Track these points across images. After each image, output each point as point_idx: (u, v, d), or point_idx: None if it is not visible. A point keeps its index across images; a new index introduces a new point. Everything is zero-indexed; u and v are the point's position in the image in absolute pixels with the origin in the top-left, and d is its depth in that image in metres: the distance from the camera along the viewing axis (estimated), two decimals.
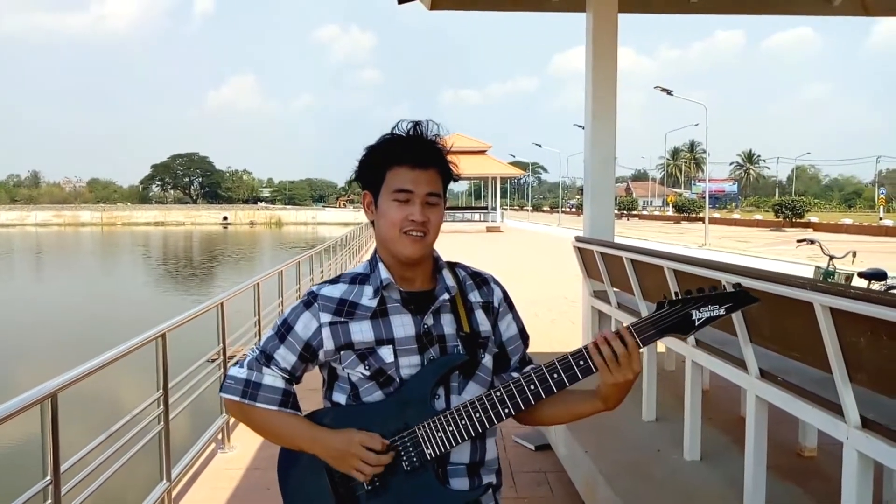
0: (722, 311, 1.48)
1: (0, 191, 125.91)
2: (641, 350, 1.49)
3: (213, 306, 5.14)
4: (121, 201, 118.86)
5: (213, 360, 5.26)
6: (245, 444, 5.06)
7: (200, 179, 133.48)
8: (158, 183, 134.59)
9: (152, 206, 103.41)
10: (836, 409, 2.38)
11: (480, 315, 1.62)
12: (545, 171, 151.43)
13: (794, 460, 3.53)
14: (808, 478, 3.30)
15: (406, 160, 1.53)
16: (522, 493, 4.15)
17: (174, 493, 4.08)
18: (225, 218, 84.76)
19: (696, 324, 1.47)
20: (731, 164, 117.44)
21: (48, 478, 2.72)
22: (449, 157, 1.60)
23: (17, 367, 11.86)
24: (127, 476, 3.68)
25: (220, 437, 5.09)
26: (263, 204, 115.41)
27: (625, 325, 1.51)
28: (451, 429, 1.49)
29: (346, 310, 1.55)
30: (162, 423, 3.93)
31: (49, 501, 2.72)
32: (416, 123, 1.57)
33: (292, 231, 69.24)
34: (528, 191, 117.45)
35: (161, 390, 3.95)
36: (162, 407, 3.95)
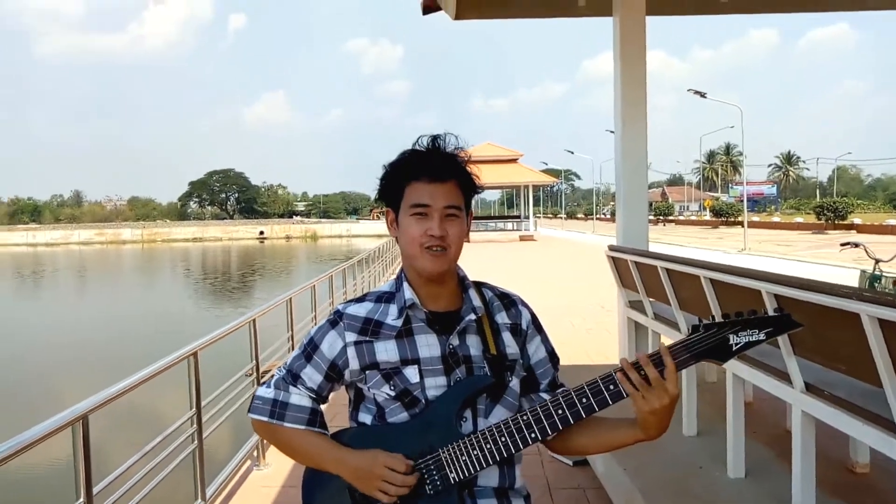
0: (762, 336, 1.39)
1: (45, 211, 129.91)
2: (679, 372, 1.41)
3: (246, 323, 5.15)
4: (160, 218, 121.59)
5: (248, 376, 5.27)
6: (280, 462, 5.05)
7: (237, 195, 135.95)
8: (196, 199, 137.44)
9: (191, 223, 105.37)
10: (887, 425, 2.25)
11: (508, 337, 1.58)
12: (578, 177, 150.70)
13: (845, 476, 3.37)
14: (860, 495, 3.15)
15: (423, 174, 1.51)
16: None
17: None
18: (261, 232, 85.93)
19: (734, 349, 1.39)
20: (770, 165, 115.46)
21: (81, 499, 2.73)
22: (471, 168, 1.57)
23: (59, 383, 12.11)
24: (162, 495, 3.69)
25: (255, 454, 5.09)
26: (299, 218, 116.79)
27: (661, 345, 1.44)
28: (475, 453, 1.45)
29: (371, 329, 1.53)
30: (196, 441, 3.94)
31: None
32: (435, 137, 1.55)
33: (327, 244, 69.91)
34: (561, 198, 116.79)
35: (194, 409, 3.96)
36: (195, 425, 3.96)
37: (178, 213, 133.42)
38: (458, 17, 5.92)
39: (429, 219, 1.50)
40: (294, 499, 4.43)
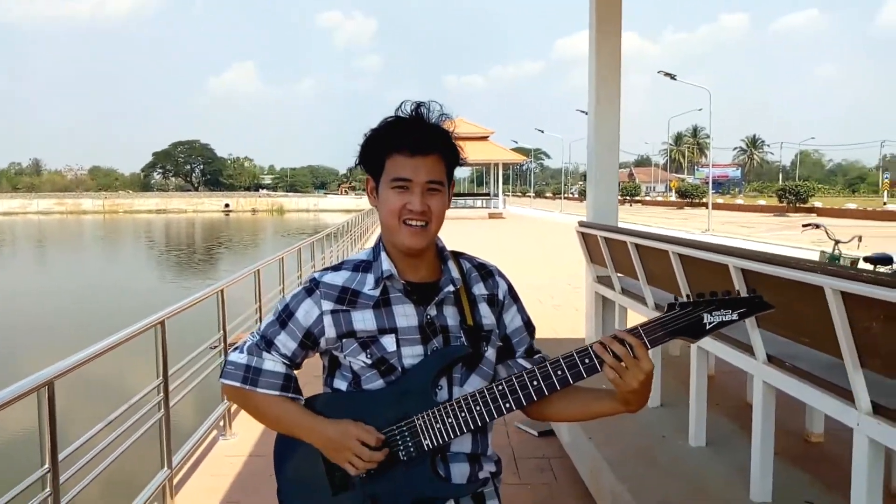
0: (735, 317, 1.42)
1: (2, 179, 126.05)
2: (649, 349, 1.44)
3: (213, 293, 5.10)
4: (122, 189, 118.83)
5: (214, 347, 5.23)
6: (247, 431, 5.04)
7: (202, 167, 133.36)
8: (160, 170, 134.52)
9: (154, 194, 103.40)
10: (846, 395, 2.34)
11: (485, 308, 1.58)
12: (548, 157, 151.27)
13: (802, 446, 3.49)
14: (815, 463, 3.27)
15: (405, 147, 1.47)
16: (526, 479, 4.12)
17: (175, 481, 4.06)
18: (227, 205, 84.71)
19: (707, 328, 1.42)
20: (735, 149, 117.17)
21: (46, 465, 2.70)
22: (454, 141, 1.53)
23: (18, 354, 11.87)
24: (128, 463, 3.65)
25: (221, 423, 5.07)
26: (265, 191, 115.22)
27: (633, 326, 1.46)
28: (450, 420, 1.46)
29: (348, 298, 1.51)
30: (162, 410, 3.91)
31: (48, 489, 2.70)
32: (419, 104, 1.50)
33: (294, 218, 69.25)
34: (530, 177, 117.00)
35: (161, 377, 3.92)
36: (162, 394, 3.92)
37: (141, 184, 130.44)
38: None
39: (410, 193, 1.47)
40: (260, 468, 4.43)
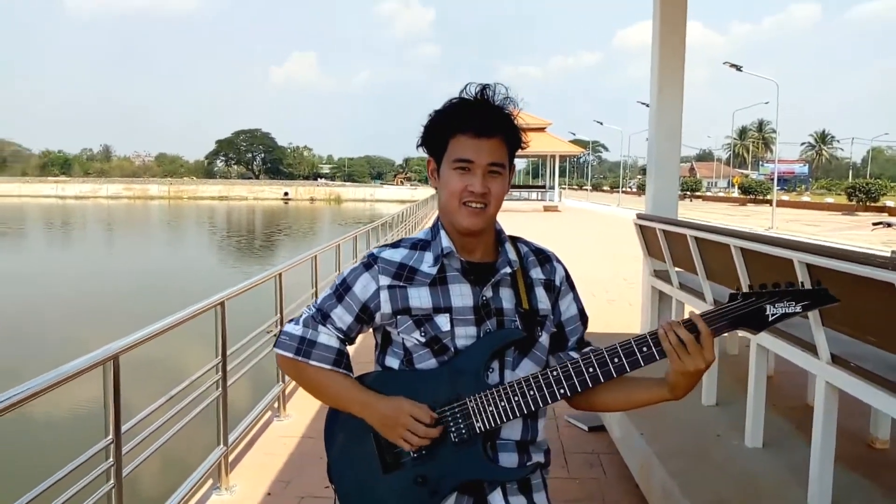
0: (798, 309, 1.38)
1: (74, 164, 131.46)
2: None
3: (271, 277, 5.20)
4: (187, 175, 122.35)
5: (270, 332, 5.34)
6: (300, 413, 5.15)
7: (263, 155, 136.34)
8: (223, 158, 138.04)
9: (217, 181, 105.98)
10: None
11: (541, 292, 1.57)
12: (606, 149, 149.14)
13: (865, 451, 3.35)
14: (878, 470, 3.13)
15: (469, 128, 1.47)
16: (574, 473, 4.09)
17: (231, 458, 4.17)
18: (286, 193, 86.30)
19: (770, 319, 1.39)
20: (803, 144, 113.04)
21: (110, 437, 2.80)
22: (518, 125, 1.53)
23: (87, 331, 12.38)
24: (186, 440, 3.78)
25: (276, 405, 5.19)
26: (323, 180, 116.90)
27: (696, 313, 1.43)
28: (503, 404, 1.46)
29: (405, 274, 1.52)
30: (220, 389, 4.01)
31: (110, 460, 2.81)
32: (484, 87, 1.50)
33: (351, 207, 70.14)
34: (587, 170, 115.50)
35: (220, 357, 4.03)
36: (220, 374, 4.03)
37: (205, 171, 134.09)
38: None
39: (471, 174, 1.47)
40: (312, 449, 4.52)
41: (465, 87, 1.52)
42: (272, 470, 4.24)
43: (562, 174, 56.19)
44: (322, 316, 1.56)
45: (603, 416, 4.48)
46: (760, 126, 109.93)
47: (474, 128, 1.47)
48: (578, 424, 4.75)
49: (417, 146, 1.57)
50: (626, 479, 3.84)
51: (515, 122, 1.53)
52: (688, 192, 72.19)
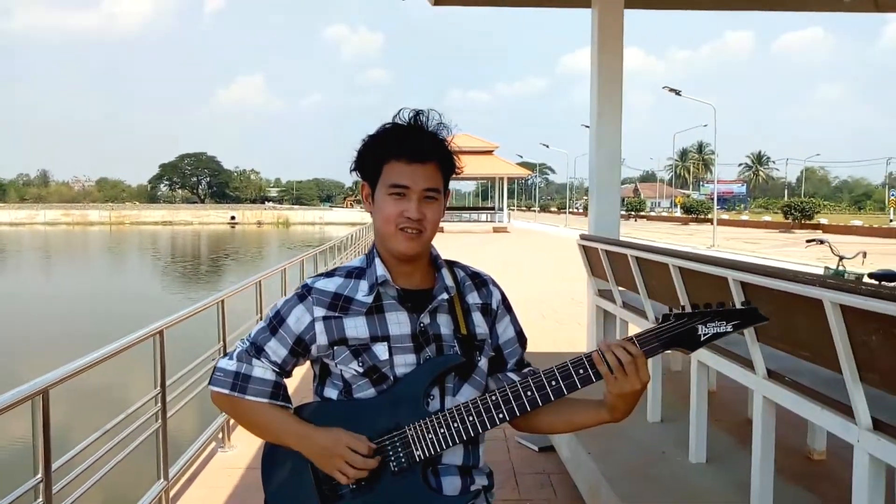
0: (729, 328, 1.41)
1: (10, 189, 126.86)
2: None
3: (214, 303, 5.09)
4: (129, 200, 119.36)
5: (214, 359, 5.21)
6: (245, 444, 5.01)
7: (208, 179, 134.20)
8: (167, 182, 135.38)
9: (160, 206, 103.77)
10: (846, 411, 2.30)
11: (478, 317, 1.57)
12: (553, 171, 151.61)
13: (803, 463, 3.45)
14: (817, 481, 3.22)
15: (403, 154, 1.46)
16: (525, 494, 4.08)
17: (172, 493, 4.03)
18: (233, 217, 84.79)
19: (702, 339, 1.41)
20: (740, 165, 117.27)
21: (39, 475, 2.68)
22: (452, 148, 1.53)
23: (16, 363, 11.85)
24: (123, 475, 3.64)
25: (220, 435, 5.05)
26: (271, 204, 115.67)
27: (628, 335, 1.45)
28: (442, 431, 1.44)
29: (340, 304, 1.50)
30: (159, 420, 3.89)
31: (40, 500, 2.68)
32: (417, 113, 1.50)
33: (300, 231, 69.32)
34: (535, 191, 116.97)
35: (159, 388, 3.91)
36: (159, 405, 3.90)
37: (148, 195, 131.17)
38: (437, 2, 5.89)
39: (406, 200, 1.46)
40: (258, 481, 4.39)
41: (398, 112, 1.51)
42: (216, 503, 4.10)
43: (510, 196, 56.86)
44: (256, 349, 1.52)
45: (552, 437, 4.49)
46: (700, 148, 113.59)
47: (408, 154, 1.47)
48: (528, 445, 4.75)
49: (351, 170, 1.56)
50: (576, 499, 3.85)
51: (449, 147, 1.53)
52: (632, 213, 73.88)
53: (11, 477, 2.90)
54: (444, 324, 1.52)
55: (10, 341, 14.25)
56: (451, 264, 1.62)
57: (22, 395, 2.58)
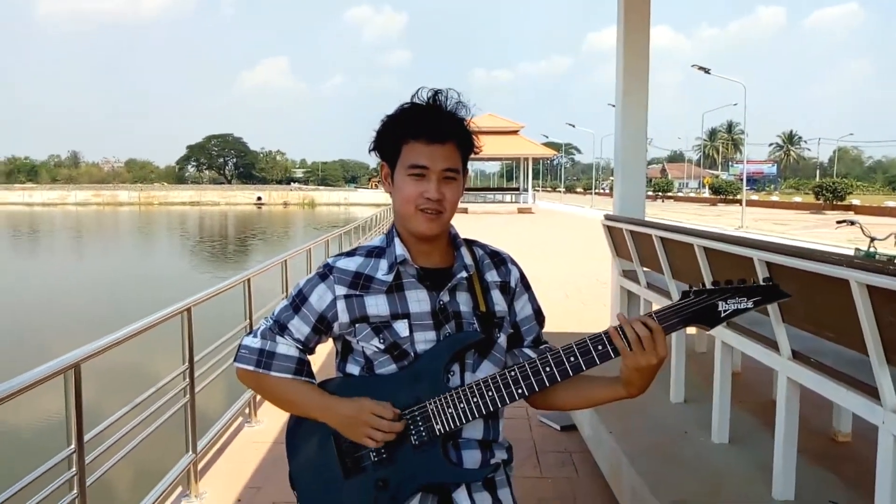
0: (750, 305, 1.40)
1: (41, 170, 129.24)
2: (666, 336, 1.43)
3: (240, 282, 5.16)
4: (157, 181, 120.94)
5: (240, 337, 5.28)
6: (272, 419, 5.11)
7: (235, 160, 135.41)
8: (194, 163, 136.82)
9: (188, 186, 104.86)
10: (872, 392, 2.28)
11: (497, 295, 1.58)
12: (579, 151, 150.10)
13: (828, 445, 3.42)
14: (841, 463, 3.19)
15: (422, 134, 1.47)
16: (547, 473, 4.11)
17: (200, 466, 4.12)
18: (259, 198, 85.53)
19: (722, 315, 1.41)
20: (771, 145, 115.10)
21: (72, 446, 2.76)
22: (470, 127, 1.53)
23: (49, 339, 12.14)
24: (153, 447, 3.72)
25: (247, 411, 5.14)
26: (297, 185, 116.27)
27: (650, 311, 1.45)
28: (462, 406, 1.47)
29: (361, 283, 1.52)
30: (188, 395, 3.97)
31: (73, 469, 2.76)
32: (436, 93, 1.50)
33: (325, 211, 69.71)
34: (560, 172, 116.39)
35: (187, 364, 3.98)
36: (188, 380, 3.98)
37: (176, 176, 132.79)
38: None
39: (426, 180, 1.47)
40: (284, 454, 4.47)
41: (416, 92, 1.52)
42: (242, 476, 4.20)
43: (535, 176, 56.52)
44: (279, 327, 1.56)
45: (574, 415, 4.50)
46: (730, 127, 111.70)
47: (427, 134, 1.47)
48: (550, 424, 4.77)
49: (369, 150, 1.57)
50: (597, 477, 3.87)
51: (468, 127, 1.53)
52: (659, 193, 72.99)
53: (46, 448, 2.98)
54: (464, 301, 1.54)
55: (46, 320, 14.60)
56: (470, 243, 1.63)
57: (54, 369, 2.65)
